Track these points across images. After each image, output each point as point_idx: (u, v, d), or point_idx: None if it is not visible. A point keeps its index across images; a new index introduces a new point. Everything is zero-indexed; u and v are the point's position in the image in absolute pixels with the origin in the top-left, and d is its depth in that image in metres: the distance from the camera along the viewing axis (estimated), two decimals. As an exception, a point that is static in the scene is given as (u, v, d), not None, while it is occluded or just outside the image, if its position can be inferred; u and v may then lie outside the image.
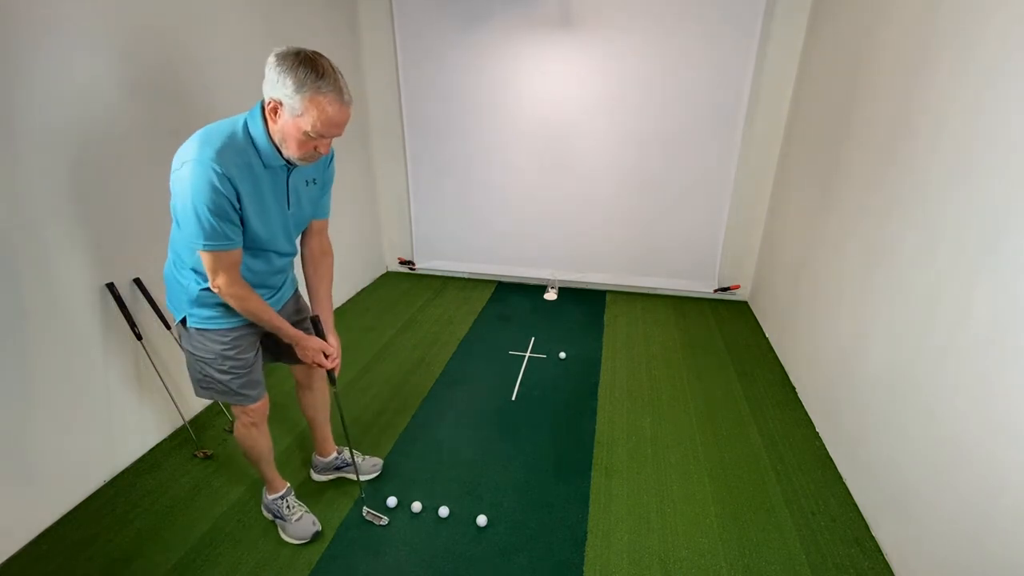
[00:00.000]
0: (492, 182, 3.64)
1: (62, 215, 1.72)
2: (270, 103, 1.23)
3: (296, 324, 1.59)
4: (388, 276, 4.06)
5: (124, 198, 1.92)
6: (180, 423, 2.25)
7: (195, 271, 1.39)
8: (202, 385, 1.54)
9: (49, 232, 1.69)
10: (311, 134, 1.24)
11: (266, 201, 1.35)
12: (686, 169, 3.32)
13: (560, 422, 2.34)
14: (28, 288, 1.64)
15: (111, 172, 1.86)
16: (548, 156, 3.47)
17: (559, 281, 3.78)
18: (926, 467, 1.54)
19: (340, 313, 3.38)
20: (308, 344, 1.54)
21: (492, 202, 3.69)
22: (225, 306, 1.42)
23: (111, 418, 1.97)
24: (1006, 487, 1.24)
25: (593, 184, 3.48)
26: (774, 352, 2.92)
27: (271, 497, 1.77)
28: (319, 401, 1.87)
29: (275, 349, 1.66)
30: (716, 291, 3.61)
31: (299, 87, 1.18)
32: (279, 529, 1.76)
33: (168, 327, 2.09)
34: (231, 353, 1.48)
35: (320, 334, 1.60)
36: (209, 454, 2.10)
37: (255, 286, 1.42)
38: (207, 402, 2.40)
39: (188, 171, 1.20)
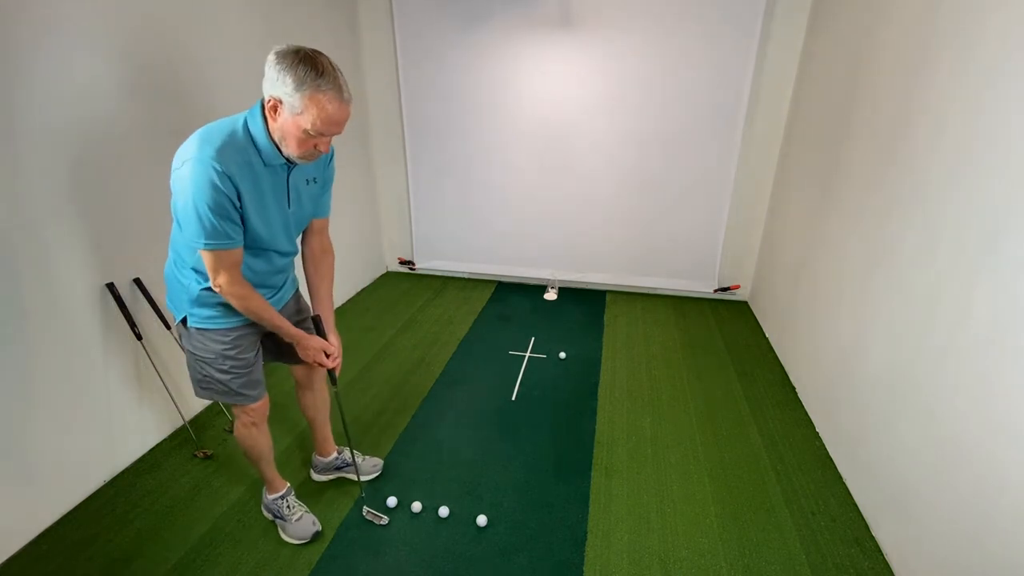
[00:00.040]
0: (492, 182, 3.64)
1: (62, 215, 1.72)
2: (270, 101, 1.23)
3: (297, 324, 1.59)
4: (388, 276, 4.06)
5: (124, 198, 1.92)
6: (180, 423, 2.25)
7: (196, 270, 1.39)
8: (202, 385, 1.54)
9: (49, 232, 1.69)
10: (311, 132, 1.24)
11: (266, 200, 1.35)
12: (686, 169, 3.32)
13: (560, 422, 2.34)
14: (28, 288, 1.64)
15: (111, 172, 1.86)
16: (548, 156, 3.47)
17: (559, 281, 3.78)
18: (926, 467, 1.54)
19: (340, 313, 3.38)
20: (309, 343, 1.54)
21: (492, 202, 3.69)
22: (225, 306, 1.42)
23: (111, 418, 1.97)
24: (1006, 487, 1.24)
25: (593, 184, 3.48)
26: (774, 352, 2.92)
27: (271, 497, 1.77)
28: (319, 401, 1.87)
29: (276, 349, 1.66)
30: (716, 291, 3.61)
31: (299, 85, 1.18)
32: (279, 529, 1.76)
33: (168, 327, 2.09)
34: (232, 353, 1.48)
35: (321, 333, 1.60)
36: (209, 454, 2.10)
37: (256, 286, 1.42)
38: (207, 402, 2.40)
39: (188, 170, 1.20)
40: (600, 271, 3.74)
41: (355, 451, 2.00)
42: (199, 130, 1.26)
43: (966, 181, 1.46)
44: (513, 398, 2.52)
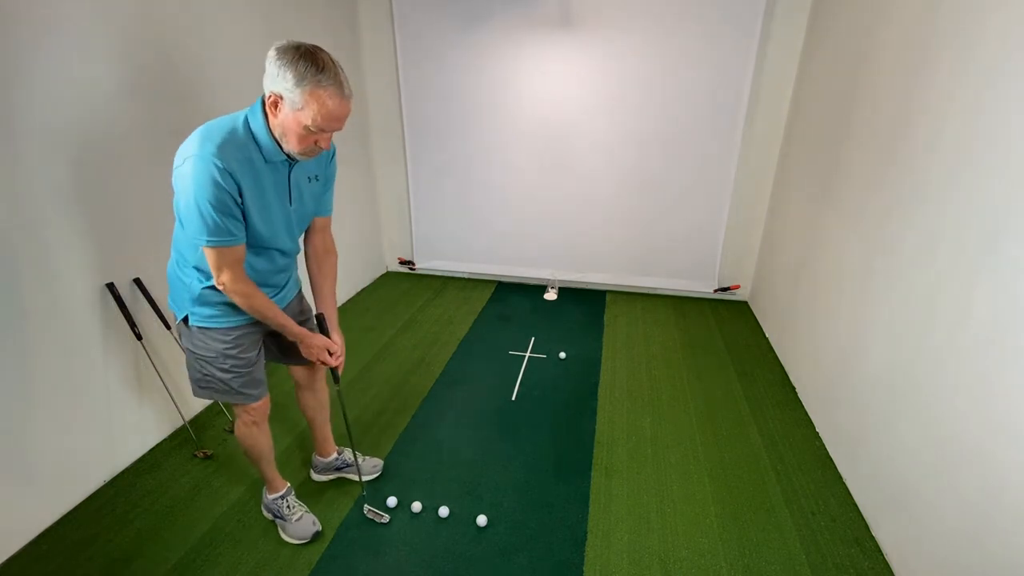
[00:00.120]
0: (492, 182, 3.64)
1: (62, 215, 1.72)
2: (270, 97, 1.23)
3: (300, 324, 1.59)
4: (388, 276, 4.06)
5: (124, 198, 1.92)
6: (180, 423, 2.25)
7: (198, 269, 1.39)
8: (201, 385, 1.54)
9: (49, 232, 1.69)
10: (311, 128, 1.24)
11: (268, 197, 1.35)
12: (686, 169, 3.32)
13: (560, 422, 2.34)
14: (28, 288, 1.64)
15: (111, 172, 1.86)
16: (548, 156, 3.47)
17: (559, 281, 3.78)
18: (926, 467, 1.54)
19: (340, 313, 3.37)
20: (313, 342, 1.54)
21: (492, 202, 3.69)
22: (227, 305, 1.42)
23: (111, 418, 1.97)
24: (1006, 487, 1.24)
25: (593, 184, 3.48)
26: (774, 352, 2.92)
27: (271, 497, 1.77)
28: (319, 402, 1.87)
29: (278, 349, 1.67)
30: (716, 291, 3.61)
31: (299, 81, 1.18)
32: (279, 529, 1.76)
33: (168, 327, 2.09)
34: (233, 352, 1.48)
35: (325, 332, 1.60)
36: (209, 454, 2.10)
37: (258, 285, 1.42)
38: (207, 402, 2.40)
39: (190, 167, 1.20)
40: (600, 271, 3.74)
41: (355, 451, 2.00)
42: (200, 127, 1.26)
43: (966, 181, 1.46)
44: (513, 398, 2.52)
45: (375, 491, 1.94)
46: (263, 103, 1.27)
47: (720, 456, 2.13)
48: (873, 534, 1.77)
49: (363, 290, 3.78)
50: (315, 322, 1.66)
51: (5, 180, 1.55)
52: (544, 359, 2.86)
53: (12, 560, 1.65)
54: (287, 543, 1.73)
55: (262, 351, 1.60)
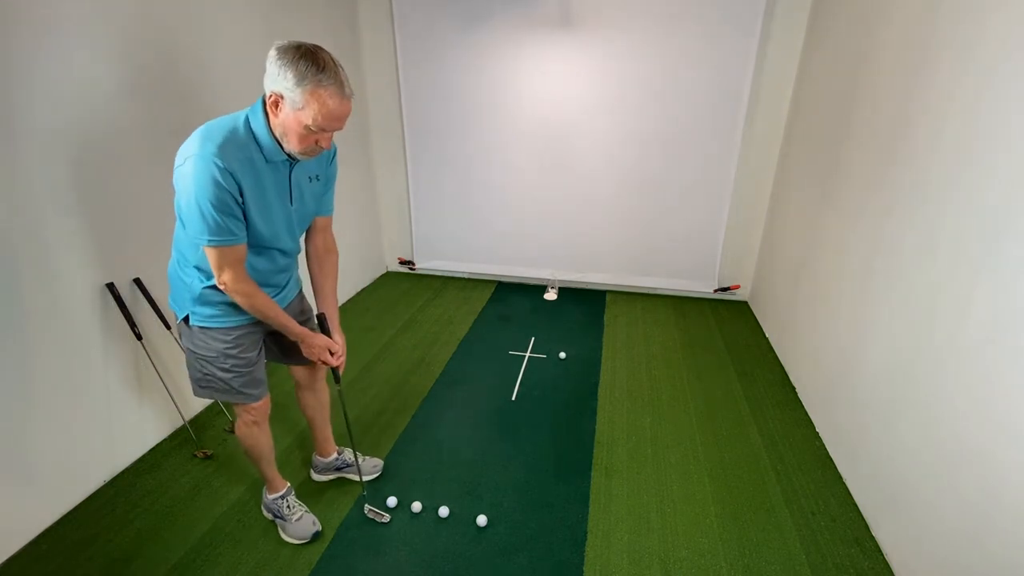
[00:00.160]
0: (492, 182, 3.64)
1: (62, 215, 1.72)
2: (271, 97, 1.23)
3: (300, 324, 1.59)
4: (388, 276, 4.06)
5: (124, 198, 1.92)
6: (180, 423, 2.25)
7: (199, 269, 1.39)
8: (201, 384, 1.54)
9: (49, 232, 1.69)
10: (312, 127, 1.24)
11: (268, 196, 1.35)
12: (686, 169, 3.32)
13: (560, 422, 2.34)
14: (28, 288, 1.64)
15: (111, 172, 1.86)
16: (548, 156, 3.47)
17: (559, 281, 3.78)
18: (926, 467, 1.54)
19: (340, 313, 3.34)
20: (314, 342, 1.55)
21: (492, 202, 3.69)
22: (228, 304, 1.42)
23: (111, 418, 1.97)
24: (1006, 487, 1.24)
25: (593, 184, 3.48)
26: (774, 352, 2.92)
27: (271, 497, 1.77)
28: (319, 402, 1.87)
29: (279, 349, 1.67)
30: (716, 291, 3.61)
31: (300, 80, 1.18)
32: (279, 529, 1.76)
33: (168, 327, 2.09)
34: (234, 352, 1.48)
35: (326, 331, 1.60)
36: (209, 454, 2.10)
37: (259, 285, 1.42)
38: (207, 402, 2.40)
39: (191, 167, 1.20)
40: (600, 271, 3.74)
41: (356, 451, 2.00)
42: (201, 127, 1.26)
43: (966, 181, 1.46)
44: (513, 398, 2.52)
45: (375, 491, 1.94)
46: (264, 103, 1.27)
47: (720, 456, 2.13)
48: (873, 534, 1.77)
49: (363, 290, 3.78)
50: (316, 322, 1.66)
51: (5, 180, 1.55)
52: (544, 359, 2.86)
53: (12, 560, 1.65)
54: (287, 543, 1.73)
55: (263, 351, 1.60)
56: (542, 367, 2.78)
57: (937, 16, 1.66)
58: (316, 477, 2.00)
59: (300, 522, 1.74)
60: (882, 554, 1.70)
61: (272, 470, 1.75)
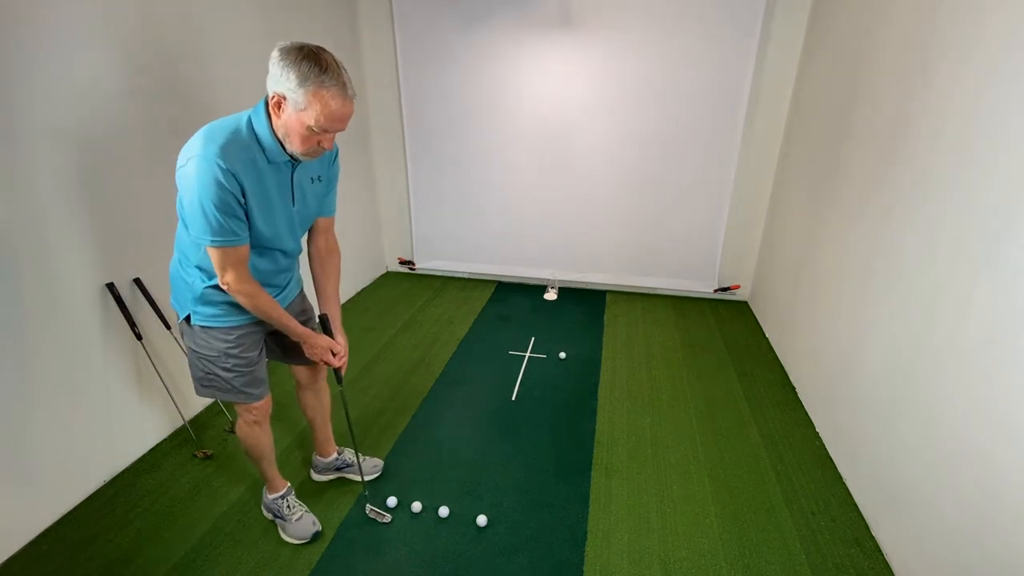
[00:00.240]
0: (492, 182, 3.64)
1: (62, 215, 1.72)
2: (274, 98, 1.23)
3: (302, 324, 1.59)
4: (388, 276, 4.06)
5: (124, 198, 1.92)
6: (180, 423, 2.25)
7: (200, 268, 1.39)
8: (203, 383, 1.54)
9: (49, 232, 1.69)
10: (314, 128, 1.24)
11: (271, 197, 1.35)
12: (686, 169, 3.32)
13: (560, 422, 2.34)
14: (28, 288, 1.64)
15: (111, 172, 1.86)
16: (548, 156, 3.47)
17: (559, 281, 3.78)
18: (926, 467, 1.54)
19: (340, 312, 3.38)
20: (316, 342, 1.55)
21: (492, 202, 3.69)
22: (229, 304, 1.42)
23: (111, 418, 1.97)
24: (1006, 487, 1.24)
25: (593, 184, 3.48)
26: (774, 352, 2.92)
27: (271, 497, 1.77)
28: (320, 402, 1.87)
29: (280, 349, 1.67)
30: (716, 291, 3.61)
31: (302, 81, 1.18)
32: (279, 529, 1.76)
33: (168, 327, 2.09)
34: (235, 351, 1.48)
35: (328, 332, 1.60)
36: (209, 454, 2.10)
37: (260, 285, 1.42)
38: (207, 402, 2.40)
39: (193, 167, 1.20)
40: (600, 271, 3.74)
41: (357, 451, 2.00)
42: (203, 128, 1.26)
43: (966, 181, 1.46)
44: (513, 398, 2.52)
45: (375, 491, 1.94)
46: (266, 104, 1.27)
47: (720, 456, 2.13)
48: (873, 534, 1.77)
49: (363, 290, 3.78)
50: (317, 321, 1.66)
51: (5, 180, 1.55)
52: (544, 359, 2.86)
53: (12, 560, 1.65)
54: (287, 543, 1.73)
55: (264, 350, 1.60)
56: (542, 367, 2.78)
57: (937, 16, 1.66)
58: (316, 477, 2.00)
59: (300, 522, 1.74)
60: (882, 554, 1.70)
61: (272, 470, 1.75)
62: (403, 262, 4.08)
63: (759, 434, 2.26)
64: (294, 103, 1.21)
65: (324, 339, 1.57)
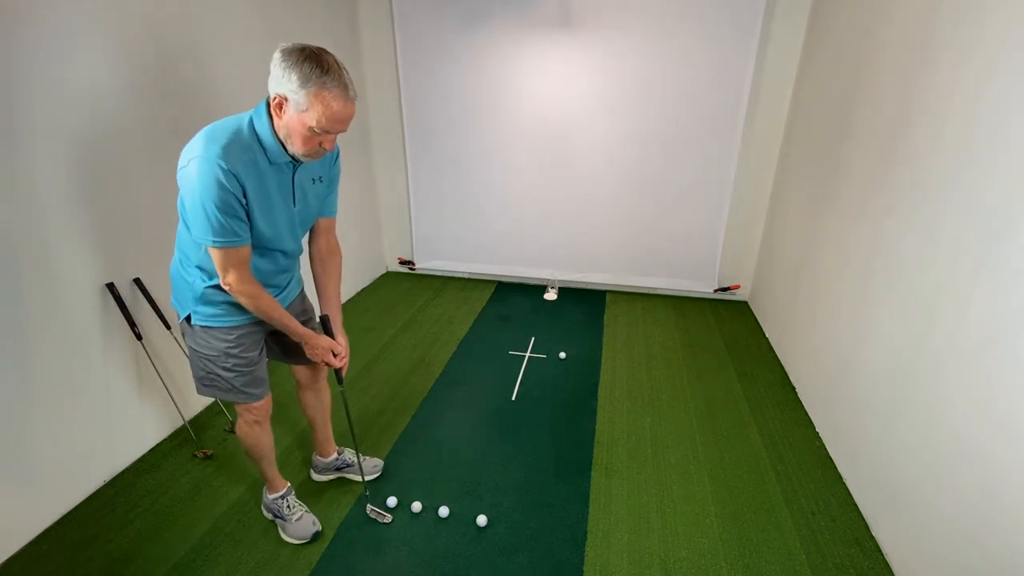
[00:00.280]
0: (492, 182, 3.64)
1: (62, 215, 1.72)
2: (275, 99, 1.23)
3: (302, 324, 1.59)
4: (388, 276, 4.06)
5: (124, 198, 1.92)
6: (180, 423, 2.25)
7: (201, 268, 1.39)
8: (204, 383, 1.54)
9: (49, 232, 1.69)
10: (316, 130, 1.24)
11: (272, 198, 1.35)
12: (686, 169, 3.32)
13: (560, 422, 2.34)
14: (28, 288, 1.64)
15: (111, 172, 1.86)
16: (548, 156, 3.47)
17: (559, 281, 3.78)
18: (926, 467, 1.54)
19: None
20: (317, 343, 1.55)
21: (492, 202, 3.69)
22: (229, 304, 1.43)
23: (111, 418, 1.97)
24: (1006, 487, 1.24)
25: (593, 184, 3.48)
26: (774, 352, 2.92)
27: (271, 496, 1.77)
28: (320, 401, 1.87)
29: (281, 349, 1.67)
30: (716, 291, 3.61)
31: (304, 82, 1.18)
32: (279, 529, 1.76)
33: (168, 327, 2.09)
34: (235, 351, 1.49)
35: (330, 333, 1.60)
36: (209, 454, 2.10)
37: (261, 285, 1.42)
38: (207, 402, 2.40)
39: (195, 168, 1.20)
40: (600, 271, 3.74)
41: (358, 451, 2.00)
42: (205, 128, 1.26)
43: (966, 181, 1.46)
44: (513, 398, 2.52)
45: (375, 491, 1.94)
46: (268, 105, 1.27)
47: (720, 456, 2.13)
48: (873, 534, 1.77)
49: (363, 290, 3.78)
50: (317, 322, 1.66)
51: (5, 180, 1.55)
52: (544, 359, 2.86)
53: (12, 560, 1.65)
54: (287, 543, 1.73)
55: (264, 351, 1.60)
56: (542, 367, 2.78)
57: (937, 16, 1.66)
58: (316, 477, 2.00)
59: (300, 522, 1.74)
60: (882, 554, 1.70)
61: (272, 470, 1.75)
62: (403, 262, 4.08)
63: (759, 434, 2.26)
64: (296, 104, 1.21)
65: (325, 340, 1.57)
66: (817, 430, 2.27)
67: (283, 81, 1.20)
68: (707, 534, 1.77)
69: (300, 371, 1.78)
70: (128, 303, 1.95)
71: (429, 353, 2.91)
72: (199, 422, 2.31)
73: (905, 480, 1.63)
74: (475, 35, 3.25)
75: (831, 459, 2.11)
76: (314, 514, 1.79)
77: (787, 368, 2.73)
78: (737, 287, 3.56)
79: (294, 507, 1.76)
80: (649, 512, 1.86)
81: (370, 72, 3.52)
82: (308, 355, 1.58)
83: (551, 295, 3.67)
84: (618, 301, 3.61)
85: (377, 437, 2.24)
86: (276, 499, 1.76)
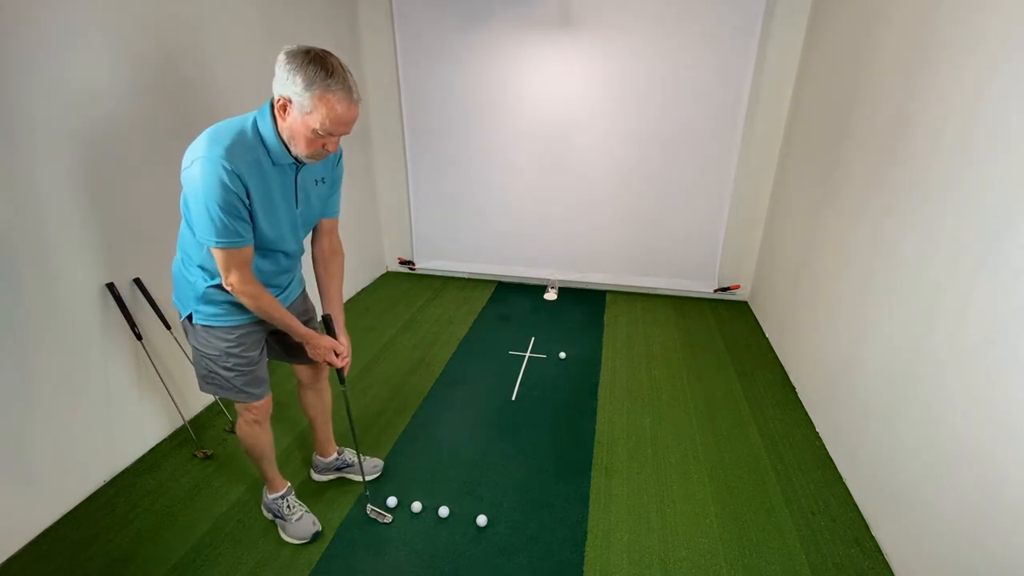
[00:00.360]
0: (492, 182, 3.64)
1: (62, 215, 1.72)
2: (279, 100, 1.24)
3: (304, 324, 1.59)
4: (388, 276, 4.06)
5: (124, 198, 1.92)
6: (180, 423, 2.25)
7: (202, 268, 1.40)
8: (207, 381, 1.54)
9: (49, 232, 1.69)
10: (320, 132, 1.24)
11: (274, 199, 1.35)
12: (686, 169, 3.32)
13: (560, 422, 2.34)
14: (28, 288, 1.64)
15: (111, 172, 1.86)
16: (548, 156, 3.47)
17: (559, 281, 3.78)
18: (926, 467, 1.54)
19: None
20: (319, 343, 1.55)
21: (492, 202, 3.69)
22: (230, 303, 1.43)
23: (111, 418, 1.97)
24: (1006, 487, 1.24)
25: (593, 184, 3.48)
26: (774, 352, 2.92)
27: (271, 496, 1.77)
28: (322, 401, 1.87)
29: (282, 348, 1.67)
30: (716, 291, 3.61)
31: (308, 85, 1.19)
32: (279, 529, 1.76)
33: (168, 327, 2.09)
34: (236, 351, 1.49)
35: (332, 333, 1.61)
36: (209, 454, 2.10)
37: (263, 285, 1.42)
38: (207, 402, 2.40)
39: (199, 168, 1.20)
40: (600, 271, 3.74)
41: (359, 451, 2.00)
42: (208, 129, 1.26)
43: (966, 181, 1.46)
44: (513, 398, 2.52)
45: (375, 491, 1.94)
46: (272, 106, 1.27)
47: (720, 456, 2.13)
48: (873, 534, 1.77)
49: (363, 290, 3.78)
50: (319, 321, 1.67)
51: (5, 180, 1.55)
52: (544, 359, 2.86)
53: (12, 560, 1.65)
54: (287, 543, 1.73)
55: (264, 350, 1.60)
56: (542, 367, 2.78)
57: (937, 16, 1.66)
58: (316, 477, 2.00)
59: (300, 522, 1.74)
60: (882, 554, 1.70)
61: (272, 470, 1.75)
62: (403, 262, 4.08)
63: (759, 434, 2.26)
64: (300, 106, 1.21)
65: (327, 340, 1.57)
66: (817, 430, 2.27)
67: (287, 83, 1.20)
68: (707, 534, 1.77)
69: (302, 370, 1.78)
70: (128, 303, 1.95)
71: (429, 353, 2.91)
72: (199, 422, 2.31)
73: (905, 480, 1.63)
74: (475, 35, 3.25)
75: (831, 459, 2.11)
76: (314, 514, 1.79)
77: (787, 368, 2.73)
78: (737, 287, 3.56)
79: (294, 507, 1.76)
80: (649, 512, 1.86)
81: (370, 72, 3.52)
82: (310, 355, 1.58)
83: (551, 295, 3.67)
84: (618, 301, 3.61)
85: (377, 437, 2.24)
86: (276, 499, 1.76)
